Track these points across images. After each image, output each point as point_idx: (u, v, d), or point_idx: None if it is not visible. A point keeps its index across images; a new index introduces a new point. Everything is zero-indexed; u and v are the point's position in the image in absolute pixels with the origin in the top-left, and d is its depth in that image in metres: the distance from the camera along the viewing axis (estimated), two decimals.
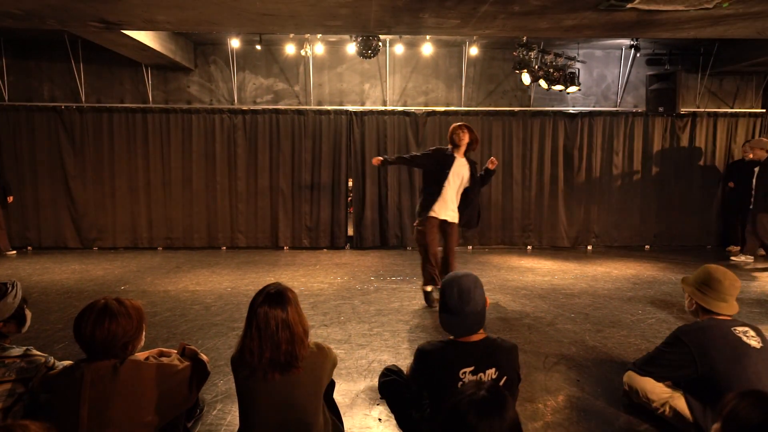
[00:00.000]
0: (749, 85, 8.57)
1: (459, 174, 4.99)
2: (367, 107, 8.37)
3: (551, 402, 3.14)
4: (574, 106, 8.51)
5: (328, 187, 8.35)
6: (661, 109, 7.96)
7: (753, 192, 7.23)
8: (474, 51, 7.90)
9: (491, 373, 2.24)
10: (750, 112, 8.53)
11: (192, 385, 2.21)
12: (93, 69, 8.14)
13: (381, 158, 5.17)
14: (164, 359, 2.12)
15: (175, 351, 2.36)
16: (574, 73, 7.49)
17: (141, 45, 6.57)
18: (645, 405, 2.85)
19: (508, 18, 5.02)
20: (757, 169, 7.20)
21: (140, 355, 2.19)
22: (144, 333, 2.15)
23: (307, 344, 2.17)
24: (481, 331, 2.35)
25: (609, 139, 8.51)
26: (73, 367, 2.01)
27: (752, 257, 7.25)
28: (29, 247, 8.11)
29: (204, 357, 2.34)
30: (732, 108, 8.57)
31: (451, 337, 2.36)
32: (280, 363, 2.09)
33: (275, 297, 2.14)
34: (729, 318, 2.62)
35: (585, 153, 8.51)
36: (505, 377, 2.28)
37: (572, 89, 7.46)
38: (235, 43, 7.74)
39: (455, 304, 2.30)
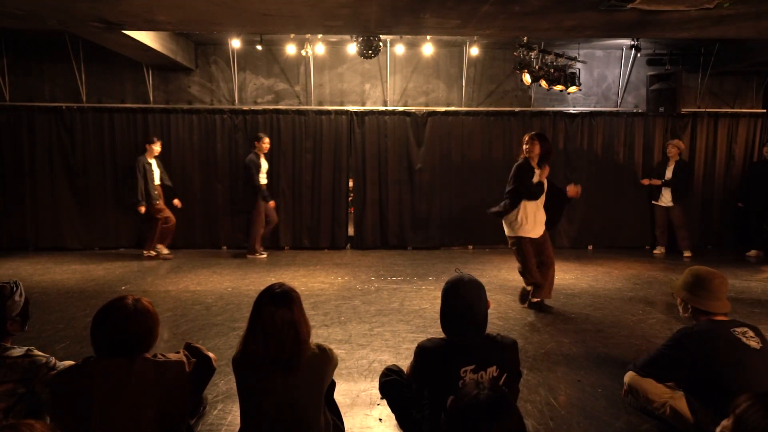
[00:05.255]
0: (750, 85, 8.56)
1: None
2: (368, 107, 8.37)
3: (551, 402, 3.15)
4: (574, 107, 8.51)
5: (329, 187, 8.35)
6: (661, 109, 7.95)
7: None
8: (475, 51, 7.90)
9: (492, 371, 2.24)
10: (751, 113, 8.52)
11: (198, 382, 2.23)
12: (94, 69, 8.14)
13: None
14: (171, 355, 2.13)
15: (182, 350, 2.37)
16: (575, 73, 7.48)
17: (142, 45, 6.57)
18: (645, 405, 2.85)
19: (508, 18, 5.02)
20: None
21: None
22: (158, 335, 2.17)
23: (309, 345, 2.18)
24: None
25: (609, 139, 8.51)
26: (83, 365, 2.01)
27: None
28: (30, 248, 8.12)
29: (211, 354, 2.37)
30: (733, 108, 8.56)
31: None
32: (282, 362, 2.09)
33: (281, 296, 2.15)
34: (727, 319, 2.62)
35: (585, 153, 8.50)
36: (505, 375, 2.28)
37: (573, 89, 7.45)
38: (235, 43, 7.74)
39: (458, 318, 2.31)
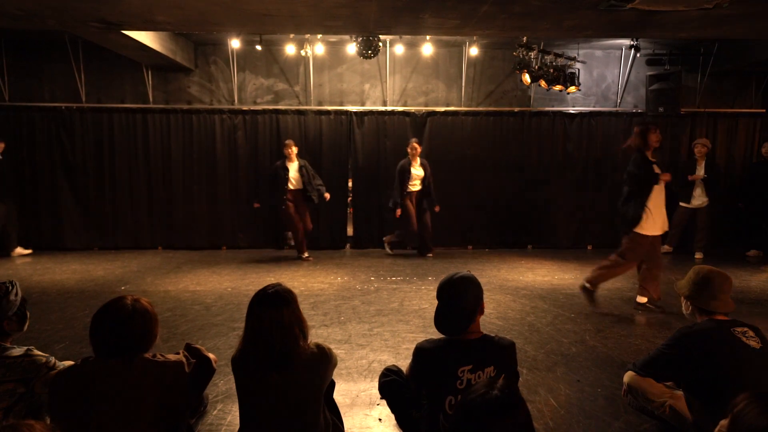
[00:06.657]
0: (749, 85, 8.57)
1: None
2: (368, 107, 8.38)
3: (551, 402, 3.15)
4: (574, 107, 8.51)
5: (329, 187, 8.35)
6: (661, 109, 7.95)
7: None
8: (474, 51, 7.90)
9: (489, 371, 2.24)
10: (750, 113, 8.52)
11: (198, 383, 2.23)
12: (93, 69, 8.14)
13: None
14: (171, 356, 2.13)
15: (182, 350, 2.37)
16: (574, 73, 7.48)
17: (141, 45, 6.57)
18: (645, 405, 2.85)
19: (508, 18, 5.03)
20: None
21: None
22: (158, 334, 2.17)
23: (303, 345, 2.18)
24: (479, 329, 2.36)
25: (609, 139, 8.51)
26: (83, 365, 2.01)
27: None
28: (29, 248, 8.11)
29: (211, 355, 2.37)
30: (732, 108, 8.57)
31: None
32: (274, 363, 2.09)
33: (270, 297, 2.16)
34: (728, 318, 2.62)
35: (585, 153, 8.50)
36: (503, 375, 2.28)
37: (572, 89, 7.45)
38: (235, 43, 7.74)
39: (444, 297, 2.34)
